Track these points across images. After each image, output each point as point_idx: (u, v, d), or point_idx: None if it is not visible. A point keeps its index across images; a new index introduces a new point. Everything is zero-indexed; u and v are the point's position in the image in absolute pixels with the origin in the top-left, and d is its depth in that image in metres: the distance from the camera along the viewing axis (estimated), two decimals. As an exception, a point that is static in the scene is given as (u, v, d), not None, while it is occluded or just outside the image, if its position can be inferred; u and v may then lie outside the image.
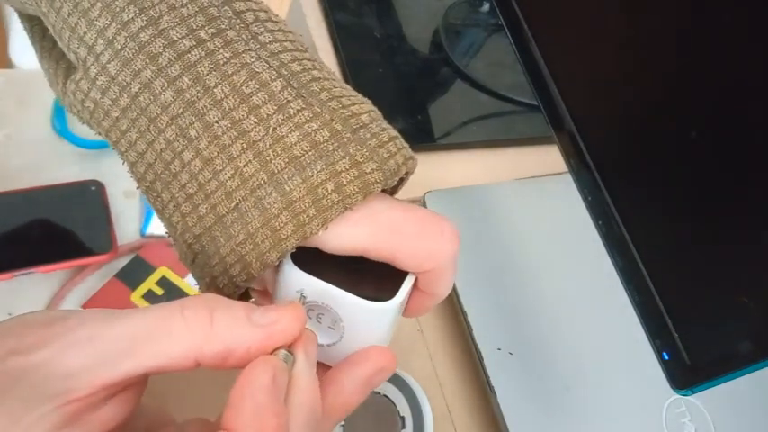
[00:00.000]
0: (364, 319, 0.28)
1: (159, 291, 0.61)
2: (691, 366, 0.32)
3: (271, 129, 0.27)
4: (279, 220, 0.27)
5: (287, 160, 0.27)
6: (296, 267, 0.28)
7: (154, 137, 0.28)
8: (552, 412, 0.47)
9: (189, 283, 0.62)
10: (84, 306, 0.61)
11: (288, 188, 0.27)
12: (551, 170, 0.62)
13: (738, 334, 0.34)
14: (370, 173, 0.27)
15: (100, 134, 0.30)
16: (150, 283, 0.64)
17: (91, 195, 0.66)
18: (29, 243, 0.62)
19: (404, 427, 0.44)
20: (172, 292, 0.62)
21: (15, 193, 0.63)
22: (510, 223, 0.55)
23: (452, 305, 0.51)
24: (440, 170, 0.61)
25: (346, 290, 0.28)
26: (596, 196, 0.34)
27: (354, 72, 0.61)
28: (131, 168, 0.29)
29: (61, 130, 0.68)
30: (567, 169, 0.36)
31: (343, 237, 0.28)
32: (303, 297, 0.28)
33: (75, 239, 0.63)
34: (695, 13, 0.40)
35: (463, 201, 0.55)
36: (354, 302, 0.28)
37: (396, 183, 0.30)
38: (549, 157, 0.63)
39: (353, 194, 0.27)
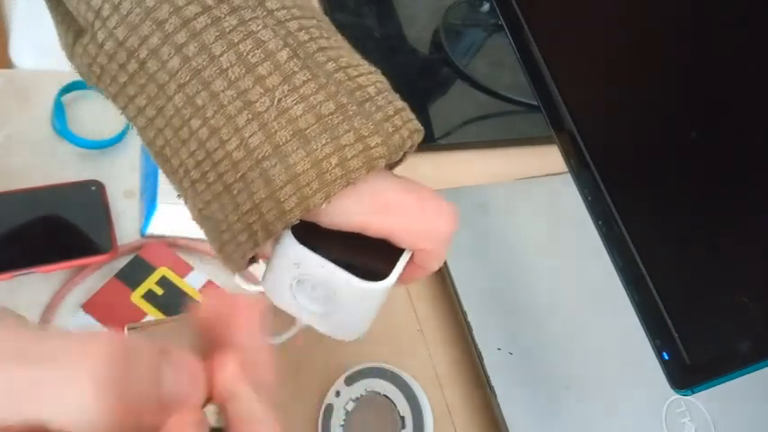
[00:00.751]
0: (356, 296, 0.29)
1: (159, 291, 0.61)
2: (691, 366, 0.32)
3: (276, 100, 0.27)
4: (283, 192, 0.27)
5: (292, 133, 0.27)
6: (295, 240, 0.28)
7: (163, 103, 0.28)
8: (552, 412, 0.47)
9: (189, 283, 0.62)
10: (85, 306, 0.61)
11: (292, 161, 0.27)
12: (551, 170, 0.62)
13: (738, 334, 0.34)
14: (374, 147, 0.28)
15: (107, 98, 0.30)
16: (150, 283, 0.64)
17: (91, 195, 0.66)
18: (29, 243, 0.62)
19: (404, 427, 0.44)
20: (172, 292, 0.62)
21: (15, 192, 0.63)
22: (510, 223, 0.55)
23: (452, 305, 0.51)
24: (440, 170, 0.61)
25: (342, 266, 0.28)
26: (596, 196, 0.34)
27: (354, 72, 0.61)
28: (140, 132, 0.30)
29: (61, 130, 0.68)
30: (567, 169, 0.36)
31: (344, 212, 0.28)
32: (297, 267, 0.28)
33: (75, 239, 0.63)
34: (695, 12, 0.40)
35: (463, 201, 0.55)
36: (347, 280, 0.28)
37: (399, 156, 0.30)
38: (549, 157, 0.62)
39: (357, 169, 0.27)
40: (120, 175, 0.69)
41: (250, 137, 0.27)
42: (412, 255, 0.30)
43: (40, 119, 0.70)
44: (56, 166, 0.67)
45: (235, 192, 0.27)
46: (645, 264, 0.33)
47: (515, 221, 0.55)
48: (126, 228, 0.67)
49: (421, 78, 0.66)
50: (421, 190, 0.30)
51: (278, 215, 0.27)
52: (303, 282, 0.29)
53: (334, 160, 0.27)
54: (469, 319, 0.49)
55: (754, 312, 0.35)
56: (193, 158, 0.28)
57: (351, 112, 0.27)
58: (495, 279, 0.52)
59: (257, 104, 0.27)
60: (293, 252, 0.28)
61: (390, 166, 0.32)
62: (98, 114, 0.72)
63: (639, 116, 0.38)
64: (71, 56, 0.30)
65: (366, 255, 0.29)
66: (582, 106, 0.36)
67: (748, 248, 0.37)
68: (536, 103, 0.37)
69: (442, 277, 0.52)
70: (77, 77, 0.80)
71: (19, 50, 0.88)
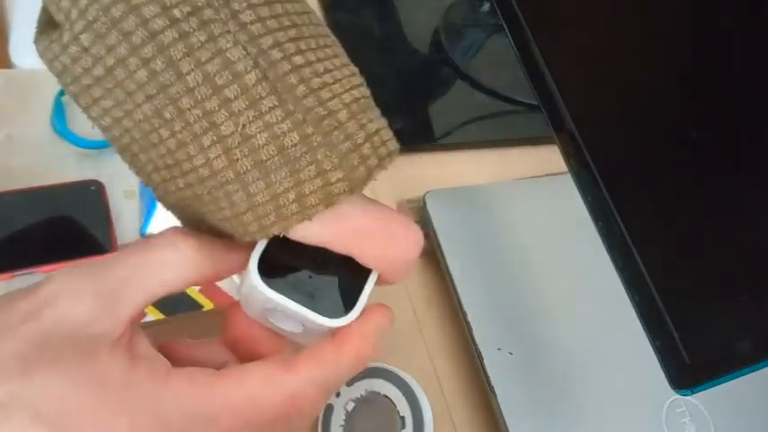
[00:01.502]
0: (324, 328, 0.30)
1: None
2: (691, 366, 0.32)
3: (240, 126, 0.26)
4: (246, 217, 0.28)
5: (253, 163, 0.26)
6: (260, 279, 0.29)
7: (131, 108, 0.27)
8: (552, 412, 0.47)
9: (189, 283, 0.62)
10: (84, 306, 0.61)
11: (252, 190, 0.27)
12: (551, 170, 0.62)
13: (738, 334, 0.34)
14: (334, 183, 0.27)
15: (65, 91, 0.30)
16: (150, 283, 0.64)
17: (91, 195, 0.66)
18: (29, 243, 0.62)
19: (404, 427, 0.44)
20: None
21: (15, 193, 0.64)
22: (510, 223, 0.55)
23: (452, 305, 0.51)
24: (440, 170, 0.61)
25: (306, 299, 0.29)
26: (596, 196, 0.34)
27: (354, 72, 0.61)
28: (104, 130, 0.30)
29: (61, 130, 0.68)
30: (567, 169, 0.36)
31: (309, 236, 0.28)
32: (265, 302, 0.29)
33: (76, 239, 0.63)
34: (695, 12, 0.40)
35: (463, 201, 0.55)
36: (312, 318, 0.29)
37: (365, 186, 0.30)
38: (549, 157, 0.63)
39: (314, 205, 0.27)
40: (120, 175, 0.69)
41: (214, 159, 0.27)
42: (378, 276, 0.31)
43: (40, 119, 0.70)
44: (56, 166, 0.67)
45: (204, 201, 0.28)
46: (645, 264, 0.33)
47: (515, 221, 0.55)
48: (126, 228, 0.67)
49: (421, 78, 0.66)
50: (388, 215, 0.30)
51: (243, 234, 0.28)
52: (274, 310, 0.30)
53: (291, 195, 0.27)
54: (469, 319, 0.49)
55: (754, 312, 0.35)
56: (163, 161, 0.28)
57: (315, 144, 0.27)
58: (495, 279, 0.52)
59: (222, 127, 0.26)
60: (258, 290, 0.29)
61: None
62: (98, 114, 0.72)
63: (640, 116, 0.38)
64: (35, 40, 0.30)
65: (334, 278, 0.30)
66: (582, 106, 0.36)
67: (749, 248, 0.37)
68: (536, 103, 0.37)
69: (442, 277, 0.52)
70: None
71: (19, 50, 0.88)
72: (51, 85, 0.71)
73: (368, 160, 0.28)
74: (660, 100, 0.38)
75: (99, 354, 0.25)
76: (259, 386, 0.27)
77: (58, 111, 0.69)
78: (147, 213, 0.67)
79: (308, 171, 0.27)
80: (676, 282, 0.34)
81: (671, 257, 0.35)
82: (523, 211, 0.57)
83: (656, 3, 0.40)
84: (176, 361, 0.28)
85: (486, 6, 0.72)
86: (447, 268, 0.51)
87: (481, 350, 0.47)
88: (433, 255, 0.52)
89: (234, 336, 0.32)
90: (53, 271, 0.65)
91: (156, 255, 0.28)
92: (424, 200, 0.53)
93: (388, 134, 0.30)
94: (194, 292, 0.65)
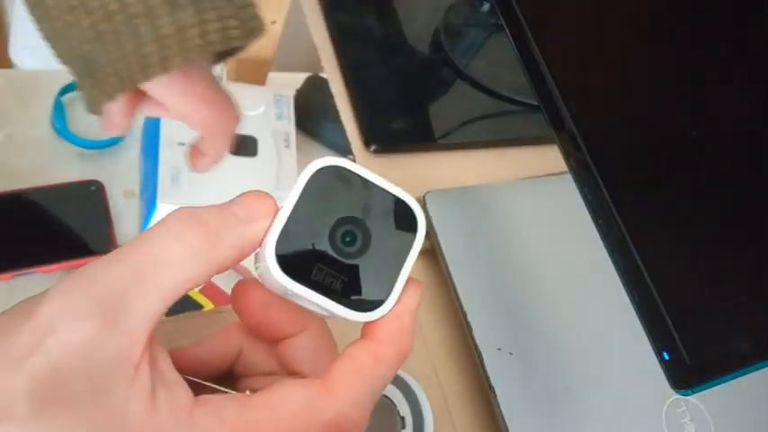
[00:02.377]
0: (353, 320, 0.27)
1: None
2: (691, 366, 0.32)
3: None
4: (148, 48, 0.31)
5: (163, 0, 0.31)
6: (281, 272, 0.25)
7: None
8: (552, 412, 0.47)
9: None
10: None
11: (159, 23, 0.31)
12: (551, 170, 0.62)
13: (738, 334, 0.34)
14: (231, 28, 0.33)
15: None
16: (150, 283, 0.64)
17: (91, 195, 0.66)
18: (29, 243, 0.62)
19: (404, 427, 0.44)
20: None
21: (15, 192, 0.64)
22: (510, 223, 0.55)
23: (452, 305, 0.51)
24: (440, 170, 0.61)
25: (334, 292, 0.26)
26: (596, 196, 0.34)
27: (354, 72, 0.61)
28: None
29: (61, 130, 0.68)
30: (567, 169, 0.36)
31: (170, 85, 0.34)
32: (287, 293, 0.26)
33: (76, 239, 0.63)
34: (695, 12, 0.40)
35: (463, 201, 0.55)
36: (343, 312, 0.26)
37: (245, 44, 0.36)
38: (549, 157, 0.63)
39: (214, 42, 0.32)
40: (120, 175, 0.69)
41: None
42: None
43: (40, 119, 0.70)
44: (56, 166, 0.67)
45: (106, 39, 0.31)
46: (645, 264, 0.33)
47: (515, 221, 0.55)
48: (126, 228, 0.67)
49: (421, 78, 0.66)
50: (223, 92, 0.38)
51: (141, 68, 0.31)
52: (294, 295, 0.26)
53: (195, 31, 0.32)
54: (469, 319, 0.49)
55: (754, 312, 0.35)
56: (67, 3, 0.31)
57: None
58: (495, 279, 0.52)
59: None
60: (278, 281, 0.25)
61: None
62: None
63: (640, 116, 0.38)
64: None
65: (362, 262, 0.26)
66: (582, 106, 0.36)
67: (749, 248, 0.37)
68: (536, 103, 0.37)
69: (442, 277, 0.52)
70: (77, 77, 0.79)
71: (19, 50, 0.88)
72: (51, 85, 0.71)
73: (257, 19, 0.34)
74: (660, 100, 0.38)
75: (116, 389, 0.22)
76: (297, 418, 0.24)
77: (58, 111, 0.69)
78: (147, 213, 0.67)
79: (211, 13, 0.32)
80: (676, 282, 0.34)
81: (671, 257, 0.34)
82: (523, 211, 0.57)
83: (656, 2, 0.40)
84: (182, 369, 0.25)
85: (486, 6, 0.72)
86: (447, 268, 0.51)
87: (481, 350, 0.47)
88: (433, 255, 0.52)
89: (252, 320, 0.29)
90: (53, 271, 0.65)
91: (160, 253, 0.23)
92: (424, 200, 0.53)
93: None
94: (194, 292, 0.65)
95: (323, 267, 0.26)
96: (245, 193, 0.26)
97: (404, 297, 0.26)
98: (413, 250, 0.27)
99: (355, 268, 0.26)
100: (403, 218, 0.27)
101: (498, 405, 0.46)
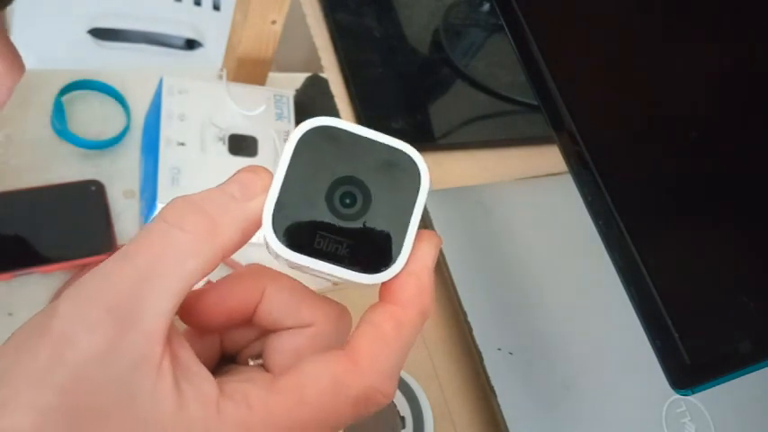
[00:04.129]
0: (365, 282, 0.25)
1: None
2: (691, 366, 0.32)
3: None
4: None
5: None
6: (280, 245, 0.24)
7: None
8: (552, 412, 0.47)
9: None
10: (84, 306, 0.61)
11: None
12: (551, 170, 0.62)
13: (738, 334, 0.34)
14: None
15: None
16: (150, 283, 0.64)
17: (91, 195, 0.66)
18: (29, 243, 0.62)
19: (404, 427, 0.44)
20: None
21: (15, 192, 0.63)
22: (510, 223, 0.55)
23: (452, 305, 0.51)
24: (440, 170, 0.61)
25: (341, 257, 0.24)
26: (596, 196, 0.34)
27: (354, 72, 0.61)
28: None
29: (61, 130, 0.68)
30: (567, 169, 0.36)
31: None
32: (292, 267, 0.25)
33: (76, 239, 0.63)
34: (695, 12, 0.40)
35: (463, 201, 0.55)
36: (354, 279, 0.25)
37: None
38: (549, 157, 0.63)
39: None
40: (120, 175, 0.69)
41: None
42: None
43: (40, 119, 0.70)
44: (56, 166, 0.67)
45: None
46: (645, 264, 0.33)
47: (515, 221, 0.55)
48: (126, 228, 0.67)
49: (421, 78, 0.66)
50: (10, 44, 0.39)
51: None
52: (300, 267, 0.25)
53: None
54: (469, 319, 0.49)
55: (754, 312, 0.35)
56: None
57: None
58: (495, 279, 0.52)
59: None
60: (283, 256, 0.24)
61: None
62: (98, 114, 0.72)
63: (640, 116, 0.38)
64: None
65: (366, 220, 0.25)
66: (582, 106, 0.36)
67: (749, 248, 0.37)
68: (536, 103, 0.37)
69: (443, 277, 0.52)
70: (77, 77, 0.80)
71: (19, 50, 0.88)
72: (51, 85, 0.71)
73: None
74: (660, 100, 0.38)
75: (141, 393, 0.21)
76: (325, 397, 0.23)
77: (58, 111, 0.69)
78: (147, 213, 0.67)
79: None
80: (676, 282, 0.34)
81: (671, 257, 0.34)
82: (523, 211, 0.57)
83: (656, 2, 0.40)
84: (199, 316, 0.25)
85: (486, 6, 0.72)
86: (447, 268, 0.51)
87: (481, 350, 0.47)
88: (433, 255, 0.52)
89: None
90: (53, 271, 0.65)
91: (163, 248, 0.23)
92: (424, 200, 0.53)
93: None
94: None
95: (325, 234, 0.24)
96: (240, 169, 0.25)
97: (418, 253, 0.25)
98: (418, 201, 0.25)
99: (359, 230, 0.25)
100: (403, 169, 0.25)
101: (498, 405, 0.46)
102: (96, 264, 0.62)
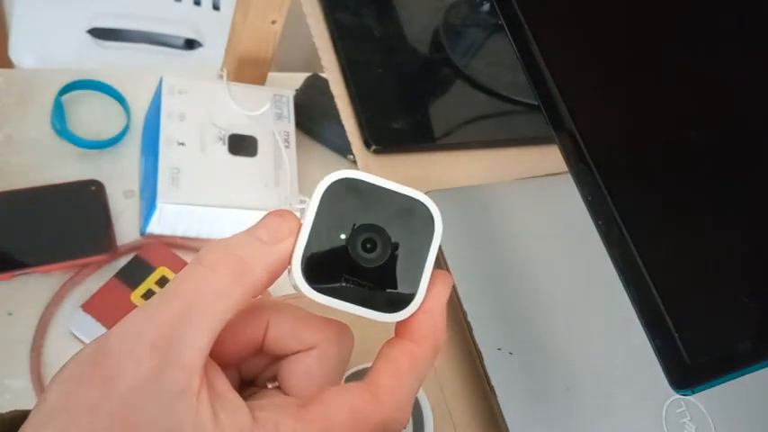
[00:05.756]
0: (385, 320, 0.28)
1: (159, 290, 0.62)
2: (691, 366, 0.32)
3: None
4: None
5: None
6: (307, 287, 0.27)
7: None
8: (552, 412, 0.47)
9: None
10: (84, 306, 0.61)
11: None
12: (551, 170, 0.62)
13: (738, 334, 0.34)
14: None
15: None
16: (150, 283, 0.64)
17: (91, 195, 0.66)
18: (29, 243, 0.62)
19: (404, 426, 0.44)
20: (172, 292, 0.62)
21: (15, 192, 0.64)
22: (510, 223, 0.55)
23: (452, 305, 0.51)
24: (440, 170, 0.61)
25: (361, 300, 0.27)
26: (596, 196, 0.34)
27: (354, 72, 0.61)
28: None
29: (61, 130, 0.68)
30: (567, 169, 0.36)
31: None
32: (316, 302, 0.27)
33: (76, 239, 0.63)
34: (695, 12, 0.40)
35: (463, 201, 0.55)
36: (374, 317, 0.27)
37: None
38: (549, 157, 0.63)
39: None
40: (120, 175, 0.69)
41: None
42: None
43: (40, 119, 0.70)
44: (56, 166, 0.67)
45: None
46: (645, 264, 0.33)
47: (515, 221, 0.55)
48: (126, 228, 0.67)
49: (421, 78, 0.66)
50: None
51: None
52: (328, 308, 0.28)
53: None
54: (469, 319, 0.49)
55: (754, 312, 0.35)
56: None
57: None
58: (495, 279, 0.52)
59: None
60: (311, 298, 0.27)
61: None
62: (98, 114, 0.72)
63: (640, 116, 0.38)
64: None
65: (386, 264, 0.27)
66: (582, 106, 0.36)
67: (749, 248, 0.37)
68: (536, 103, 0.37)
69: (442, 277, 0.52)
70: (77, 77, 0.80)
71: (19, 50, 0.88)
72: (51, 85, 0.71)
73: None
74: (660, 99, 0.38)
75: (184, 420, 0.24)
76: (347, 426, 0.26)
77: (58, 111, 0.69)
78: (147, 213, 0.66)
79: None
80: (676, 282, 0.34)
81: (671, 257, 0.35)
82: (523, 211, 0.57)
83: (656, 2, 0.40)
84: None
85: (486, 6, 0.72)
86: (447, 268, 0.51)
87: (481, 350, 0.47)
88: (432, 255, 0.52)
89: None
90: (53, 271, 0.65)
91: (199, 290, 0.25)
92: (423, 200, 0.53)
93: None
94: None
95: (349, 277, 0.27)
96: (268, 214, 0.27)
97: (432, 292, 0.27)
98: (433, 245, 0.28)
99: (380, 272, 0.27)
100: (418, 215, 0.28)
101: (498, 405, 0.46)
102: (96, 263, 0.62)
